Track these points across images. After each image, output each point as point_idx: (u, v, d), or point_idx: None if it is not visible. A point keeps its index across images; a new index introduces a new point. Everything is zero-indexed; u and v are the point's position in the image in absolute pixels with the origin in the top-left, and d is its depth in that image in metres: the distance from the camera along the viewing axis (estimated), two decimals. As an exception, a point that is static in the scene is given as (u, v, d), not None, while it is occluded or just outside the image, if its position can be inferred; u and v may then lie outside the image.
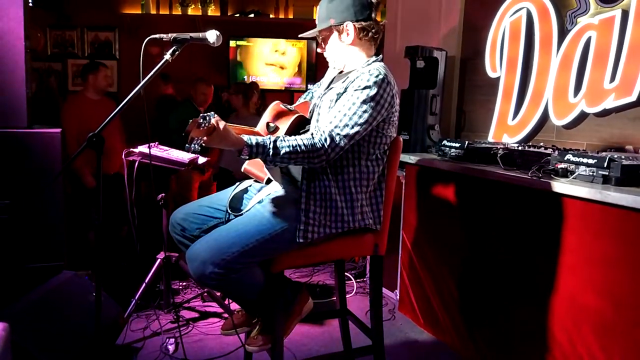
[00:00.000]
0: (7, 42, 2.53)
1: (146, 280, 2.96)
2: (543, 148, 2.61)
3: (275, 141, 1.77)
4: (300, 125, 2.08)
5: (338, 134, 1.83)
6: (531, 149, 2.61)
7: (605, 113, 2.61)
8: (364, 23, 2.00)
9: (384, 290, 3.36)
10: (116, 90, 5.81)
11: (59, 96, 5.64)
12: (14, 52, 2.55)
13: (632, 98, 2.45)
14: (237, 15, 6.20)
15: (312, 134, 1.84)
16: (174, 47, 1.79)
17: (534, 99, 2.97)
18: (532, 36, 3.01)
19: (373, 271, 2.25)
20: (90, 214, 4.12)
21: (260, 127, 2.06)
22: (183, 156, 2.93)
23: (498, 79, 3.24)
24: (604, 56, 2.58)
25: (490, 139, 3.25)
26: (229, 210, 2.05)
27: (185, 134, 1.63)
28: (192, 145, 1.60)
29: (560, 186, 2.14)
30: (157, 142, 2.99)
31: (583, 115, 2.72)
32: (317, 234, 1.92)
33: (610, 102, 2.54)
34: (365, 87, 1.87)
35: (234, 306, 2.46)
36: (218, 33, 1.82)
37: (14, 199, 2.58)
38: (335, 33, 2.02)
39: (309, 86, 2.41)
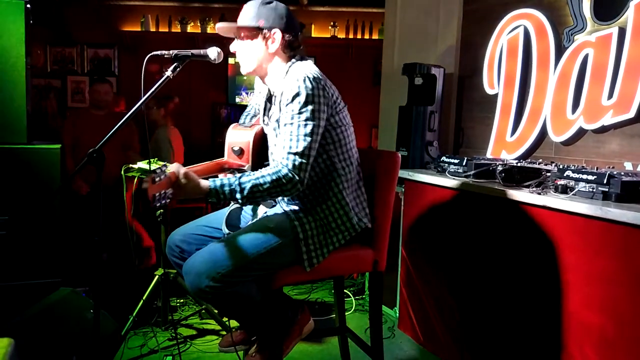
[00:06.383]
0: (9, 59, 2.57)
1: (144, 297, 2.93)
2: (542, 164, 2.62)
3: (240, 177, 1.77)
4: (263, 138, 2.10)
5: (295, 153, 1.81)
6: (530, 165, 2.62)
7: (603, 130, 2.62)
8: (292, 38, 1.97)
9: (384, 307, 3.34)
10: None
11: (58, 114, 5.65)
12: (15, 69, 2.58)
13: (630, 115, 2.45)
14: (237, 32, 6.22)
15: (274, 166, 1.83)
16: (175, 64, 1.80)
17: (532, 116, 2.98)
18: (530, 53, 3.02)
19: (373, 288, 2.24)
20: (87, 230, 4.09)
21: (226, 153, 2.09)
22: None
23: (496, 95, 3.25)
24: (602, 73, 2.59)
25: (488, 155, 3.25)
26: (225, 230, 2.04)
27: (143, 193, 1.57)
28: (157, 203, 1.58)
29: (560, 202, 2.14)
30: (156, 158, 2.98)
31: (581, 132, 2.73)
32: (323, 256, 1.93)
33: (608, 119, 2.55)
34: (294, 97, 1.83)
35: (233, 324, 2.44)
36: (219, 50, 1.84)
37: (12, 215, 2.57)
38: (260, 37, 1.94)
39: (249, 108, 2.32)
